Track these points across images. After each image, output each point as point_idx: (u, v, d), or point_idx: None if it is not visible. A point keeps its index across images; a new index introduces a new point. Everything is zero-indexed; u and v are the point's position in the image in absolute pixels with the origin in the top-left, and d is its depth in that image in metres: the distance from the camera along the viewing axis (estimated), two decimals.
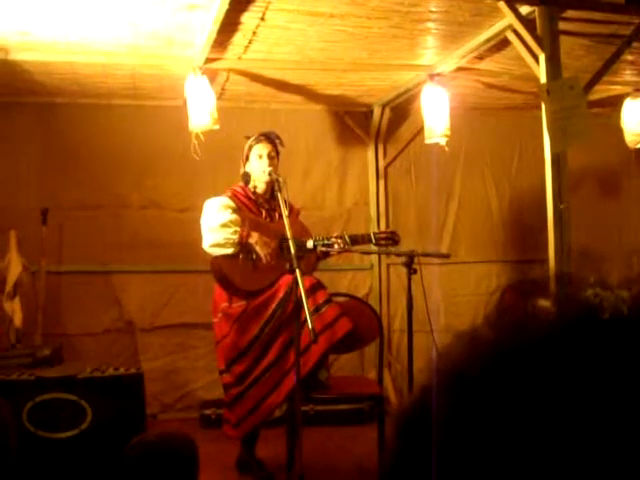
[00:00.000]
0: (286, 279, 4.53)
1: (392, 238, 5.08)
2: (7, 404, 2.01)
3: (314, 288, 4.62)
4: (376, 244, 5.07)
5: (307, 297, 4.19)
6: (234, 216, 4.67)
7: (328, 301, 4.66)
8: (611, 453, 0.47)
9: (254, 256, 4.67)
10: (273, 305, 4.66)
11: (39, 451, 4.26)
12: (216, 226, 4.61)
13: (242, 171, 4.93)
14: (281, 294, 4.62)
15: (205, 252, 4.73)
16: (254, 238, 4.64)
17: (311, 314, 4.03)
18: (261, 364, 4.67)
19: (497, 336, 0.55)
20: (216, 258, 4.68)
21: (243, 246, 4.63)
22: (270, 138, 4.88)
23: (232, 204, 4.75)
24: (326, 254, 4.98)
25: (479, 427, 0.50)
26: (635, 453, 0.46)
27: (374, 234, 5.09)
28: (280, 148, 4.94)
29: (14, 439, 1.95)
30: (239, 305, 4.72)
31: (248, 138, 4.94)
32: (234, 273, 4.66)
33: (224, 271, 4.67)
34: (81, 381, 4.49)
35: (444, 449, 0.51)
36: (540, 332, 0.54)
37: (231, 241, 4.61)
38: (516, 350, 0.53)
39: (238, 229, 4.63)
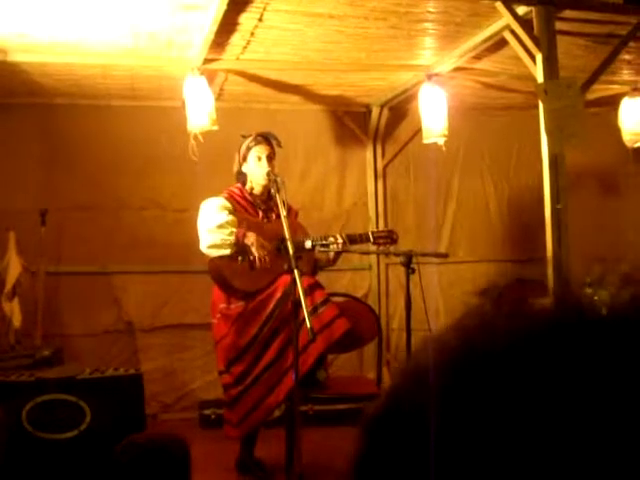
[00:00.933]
0: (284, 279, 4.53)
1: (390, 237, 5.08)
2: None
3: (312, 288, 4.62)
4: (374, 243, 5.07)
5: (305, 297, 4.20)
6: (230, 217, 4.67)
7: (326, 301, 4.67)
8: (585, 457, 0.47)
9: (251, 257, 4.67)
10: (271, 305, 4.66)
11: (38, 452, 4.27)
12: (213, 227, 4.61)
13: (236, 169, 4.93)
14: (279, 294, 4.63)
15: (203, 253, 4.73)
16: (250, 239, 4.63)
17: (309, 314, 4.04)
18: (260, 364, 4.67)
19: (462, 341, 0.56)
20: (213, 259, 4.68)
21: (240, 247, 4.63)
22: (268, 139, 4.89)
23: (228, 205, 4.75)
24: (331, 262, 4.99)
25: (445, 432, 0.51)
26: (610, 457, 0.46)
27: (372, 233, 5.08)
28: (277, 148, 4.94)
29: (3, 441, 1.96)
30: (237, 306, 4.72)
31: (244, 137, 4.94)
32: (232, 274, 4.66)
33: (222, 272, 4.68)
34: (80, 382, 4.50)
35: (411, 455, 0.52)
36: (506, 335, 0.55)
37: (228, 242, 4.61)
38: (480, 356, 0.54)
39: (234, 230, 4.62)
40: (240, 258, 4.63)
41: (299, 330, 4.11)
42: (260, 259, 4.60)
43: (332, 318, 4.60)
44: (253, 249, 4.62)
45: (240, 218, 4.71)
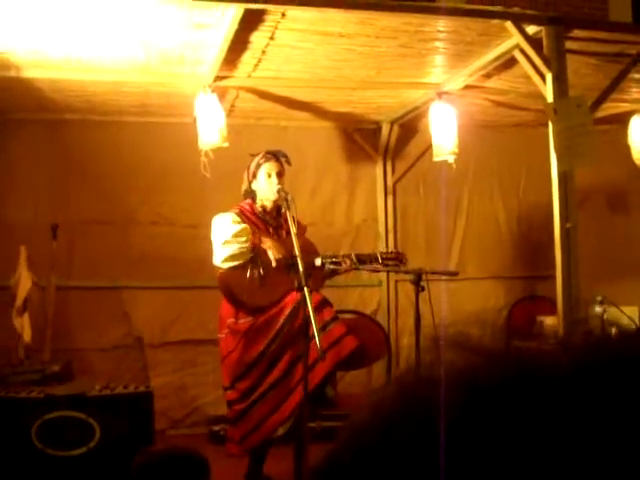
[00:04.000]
0: (293, 296, 4.54)
1: (399, 259, 5.08)
2: None
3: (321, 305, 4.63)
4: (383, 264, 5.07)
5: (314, 314, 4.22)
6: (245, 225, 4.69)
7: (335, 319, 4.68)
8: None
9: (262, 271, 4.69)
10: (280, 321, 4.67)
11: (47, 469, 4.28)
12: (229, 237, 4.62)
13: (244, 188, 4.95)
14: (288, 311, 4.63)
15: (214, 268, 4.74)
16: (267, 243, 4.68)
17: (319, 332, 4.04)
18: (266, 380, 4.67)
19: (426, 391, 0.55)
20: (223, 274, 4.70)
21: (254, 255, 4.65)
22: (277, 157, 4.90)
23: (239, 220, 4.77)
24: (334, 272, 4.99)
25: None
26: None
27: (381, 254, 5.08)
28: (286, 166, 4.96)
29: None
30: (246, 321, 4.72)
31: (253, 156, 4.96)
32: (242, 289, 4.67)
33: (232, 287, 4.69)
34: (90, 399, 4.51)
35: None
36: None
37: (245, 249, 4.62)
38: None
39: (250, 237, 4.65)
40: (249, 273, 4.64)
41: (308, 348, 4.11)
42: (276, 257, 4.64)
43: (340, 335, 4.61)
44: (271, 252, 4.65)
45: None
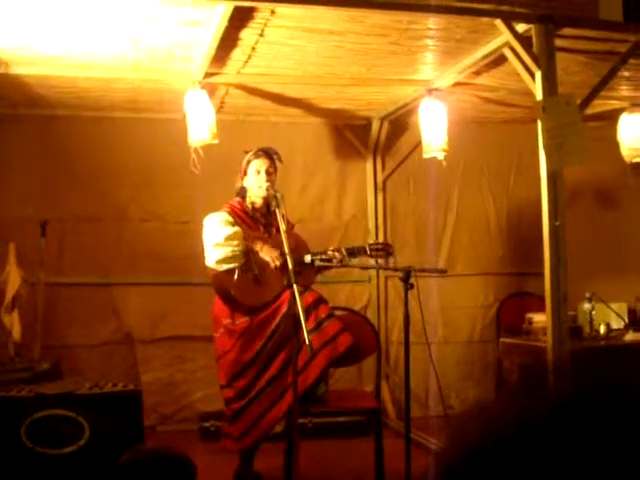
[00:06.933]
0: (289, 294, 4.54)
1: (385, 249, 5.11)
2: None
3: (316, 303, 4.64)
4: (371, 256, 5.10)
5: (309, 312, 4.24)
6: (237, 228, 4.69)
7: (330, 316, 4.68)
8: None
9: (256, 271, 4.69)
10: (276, 320, 4.67)
11: (37, 467, 4.28)
12: (221, 240, 4.61)
13: (238, 185, 4.95)
14: (284, 309, 4.63)
15: (207, 267, 4.74)
16: (258, 246, 4.67)
17: (311, 330, 4.05)
18: (263, 379, 4.68)
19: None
20: (217, 275, 4.69)
21: (247, 258, 4.65)
22: (268, 154, 4.90)
23: (231, 219, 4.77)
24: (324, 267, 4.99)
25: None
26: None
27: (369, 245, 5.11)
28: (278, 164, 4.96)
29: None
30: (242, 321, 4.72)
31: (247, 152, 4.95)
32: (237, 289, 4.67)
33: (226, 287, 4.68)
34: (79, 397, 4.50)
35: None
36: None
37: (238, 253, 4.62)
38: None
39: (242, 240, 4.65)
40: (238, 272, 4.64)
41: (300, 346, 4.12)
42: (273, 260, 4.63)
43: (336, 333, 4.62)
44: (262, 254, 4.65)
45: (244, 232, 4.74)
